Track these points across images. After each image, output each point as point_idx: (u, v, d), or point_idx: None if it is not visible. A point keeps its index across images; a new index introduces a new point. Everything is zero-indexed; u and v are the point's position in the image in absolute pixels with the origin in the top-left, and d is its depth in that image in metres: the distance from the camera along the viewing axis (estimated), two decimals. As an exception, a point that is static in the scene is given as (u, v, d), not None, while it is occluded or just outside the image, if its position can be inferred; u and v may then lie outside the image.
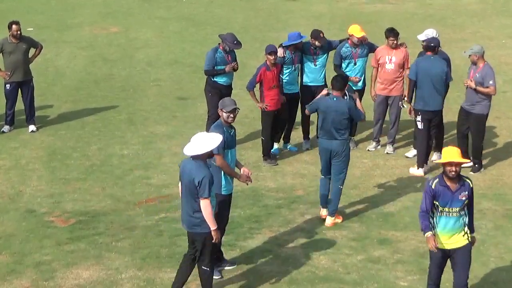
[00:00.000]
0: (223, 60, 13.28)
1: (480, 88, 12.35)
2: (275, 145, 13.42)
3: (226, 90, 13.30)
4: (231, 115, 9.26)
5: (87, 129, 14.73)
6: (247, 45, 19.75)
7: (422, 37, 13.03)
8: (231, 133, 9.37)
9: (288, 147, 13.67)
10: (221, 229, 9.18)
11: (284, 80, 13.19)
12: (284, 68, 13.15)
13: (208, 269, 8.85)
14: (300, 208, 11.40)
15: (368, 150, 13.69)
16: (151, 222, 10.94)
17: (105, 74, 18.31)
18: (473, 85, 12.34)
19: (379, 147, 13.73)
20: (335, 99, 10.73)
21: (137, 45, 20.86)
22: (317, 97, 11.20)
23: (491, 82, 12.29)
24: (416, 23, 22.80)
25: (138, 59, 19.55)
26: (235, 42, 13.27)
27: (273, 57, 12.76)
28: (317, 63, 13.44)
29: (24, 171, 12.80)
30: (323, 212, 11.00)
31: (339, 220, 10.96)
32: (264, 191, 11.99)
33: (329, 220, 10.87)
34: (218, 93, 13.23)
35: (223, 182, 9.34)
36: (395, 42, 13.31)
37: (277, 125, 13.20)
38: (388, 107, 13.56)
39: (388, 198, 11.73)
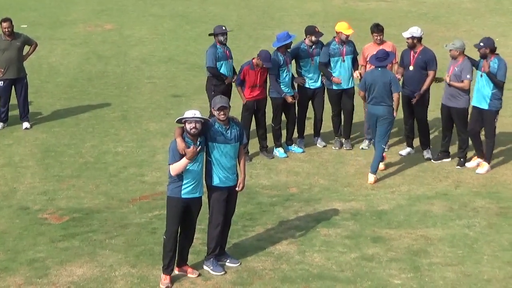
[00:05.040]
0: (223, 55, 13.36)
1: (453, 83, 12.50)
2: (280, 150, 13.36)
3: (227, 86, 13.33)
4: (221, 113, 9.29)
5: (81, 126, 14.73)
6: (241, 43, 19.83)
7: (406, 34, 13.05)
8: (225, 130, 9.34)
9: (291, 148, 13.55)
10: (219, 224, 9.48)
11: (282, 84, 13.13)
12: (281, 71, 13.08)
13: (164, 237, 9.28)
14: (294, 206, 11.39)
15: (362, 148, 13.72)
16: (144, 220, 10.93)
17: (99, 71, 18.31)
18: (448, 79, 12.51)
19: (371, 145, 13.64)
20: (379, 69, 12.14)
21: (131, 42, 20.86)
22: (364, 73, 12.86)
23: (468, 76, 12.40)
24: (410, 21, 22.77)
25: (132, 56, 19.55)
26: (223, 28, 13.37)
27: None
28: (314, 62, 13.40)
29: (17, 168, 12.78)
30: (370, 178, 12.21)
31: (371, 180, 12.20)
32: (258, 188, 11.99)
33: (372, 178, 12.17)
34: (217, 90, 13.22)
35: (212, 173, 9.41)
36: (379, 37, 13.33)
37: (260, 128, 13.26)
38: None
39: (382, 196, 11.74)
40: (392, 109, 12.18)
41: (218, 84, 13.38)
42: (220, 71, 13.38)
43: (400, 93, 12.41)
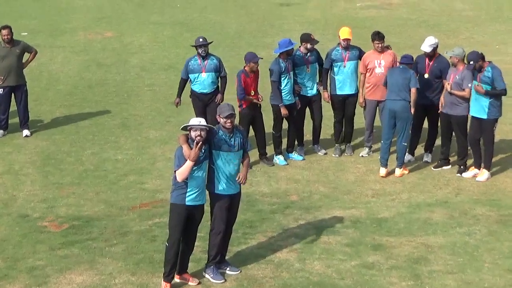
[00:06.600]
0: (197, 67, 13.32)
1: (455, 92, 12.47)
2: (280, 157, 13.36)
3: (205, 98, 13.35)
4: (228, 121, 9.27)
5: (81, 134, 14.72)
6: (241, 50, 19.78)
7: (427, 48, 12.93)
8: (229, 138, 9.32)
9: (291, 156, 13.53)
10: (221, 231, 9.45)
11: (283, 91, 13.11)
12: (282, 78, 13.07)
13: (166, 244, 9.25)
14: (294, 213, 11.35)
15: (362, 156, 13.68)
16: (144, 227, 10.90)
17: (99, 79, 18.32)
18: (449, 88, 12.49)
19: (371, 152, 13.72)
20: (401, 66, 12.68)
21: (131, 50, 20.88)
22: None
23: (469, 85, 12.36)
24: (410, 29, 22.85)
25: (132, 64, 19.57)
26: (200, 40, 13.36)
27: (257, 64, 12.84)
28: (310, 69, 13.39)
29: (17, 176, 12.76)
30: (382, 171, 12.72)
31: (406, 172, 12.79)
32: (258, 196, 11.96)
33: (398, 171, 12.73)
34: (196, 100, 13.42)
35: (215, 181, 9.38)
36: (380, 45, 13.30)
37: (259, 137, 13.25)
38: (379, 112, 13.52)
39: (382, 204, 11.70)
40: (409, 105, 12.49)
41: (194, 95, 13.43)
42: (195, 83, 13.38)
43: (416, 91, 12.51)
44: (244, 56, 13.01)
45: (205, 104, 13.35)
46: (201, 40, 13.36)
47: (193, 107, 13.59)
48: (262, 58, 13.03)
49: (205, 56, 13.35)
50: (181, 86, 13.63)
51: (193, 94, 13.49)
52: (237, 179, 9.41)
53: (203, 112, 13.11)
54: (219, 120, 9.37)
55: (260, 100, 13.06)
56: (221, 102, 13.15)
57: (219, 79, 13.53)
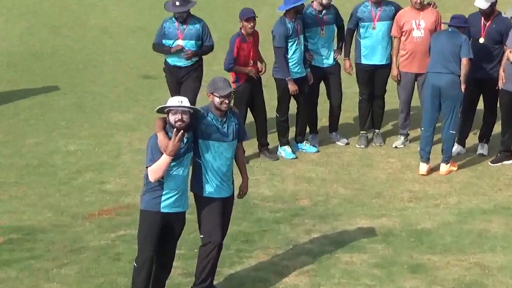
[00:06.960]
0: (173, 33, 13.37)
1: None
2: (287, 149, 13.41)
3: (179, 74, 13.41)
4: (226, 101, 9.25)
5: (22, 117, 14.88)
6: (235, 7, 19.72)
7: (482, 4, 12.94)
8: (221, 124, 9.31)
9: (301, 147, 13.63)
10: (216, 245, 9.41)
11: (291, 61, 13.15)
12: (289, 44, 13.10)
13: (134, 264, 9.25)
14: (305, 223, 11.37)
15: (396, 147, 13.77)
16: (105, 242, 10.90)
17: (48, 45, 18.58)
18: (511, 57, 12.57)
19: (408, 142, 13.80)
20: (450, 29, 12.82)
21: (90, 8, 21.06)
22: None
23: None
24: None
25: (91, 25, 19.84)
26: (177, 3, 13.27)
27: (252, 24, 12.88)
28: (325, 32, 13.47)
29: None
30: (422, 167, 12.85)
31: (454, 168, 13.00)
32: (257, 200, 12.00)
33: (444, 168, 12.93)
34: (169, 75, 13.56)
35: (203, 180, 9.38)
36: (419, 1, 13.37)
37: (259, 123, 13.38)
38: (417, 89, 13.60)
39: (423, 211, 11.73)
40: (459, 80, 12.54)
41: (168, 68, 13.48)
42: (167, 56, 13.46)
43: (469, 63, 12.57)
44: (240, 13, 13.06)
45: (178, 80, 13.32)
46: (177, 3, 13.24)
47: (167, 84, 13.67)
48: (257, 17, 13.06)
49: (185, 20, 13.33)
50: (161, 46, 13.48)
51: (167, 66, 13.56)
52: (238, 197, 9.62)
53: (177, 91, 13.21)
54: (211, 99, 9.33)
55: (261, 72, 13.03)
56: (189, 57, 13.20)
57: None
